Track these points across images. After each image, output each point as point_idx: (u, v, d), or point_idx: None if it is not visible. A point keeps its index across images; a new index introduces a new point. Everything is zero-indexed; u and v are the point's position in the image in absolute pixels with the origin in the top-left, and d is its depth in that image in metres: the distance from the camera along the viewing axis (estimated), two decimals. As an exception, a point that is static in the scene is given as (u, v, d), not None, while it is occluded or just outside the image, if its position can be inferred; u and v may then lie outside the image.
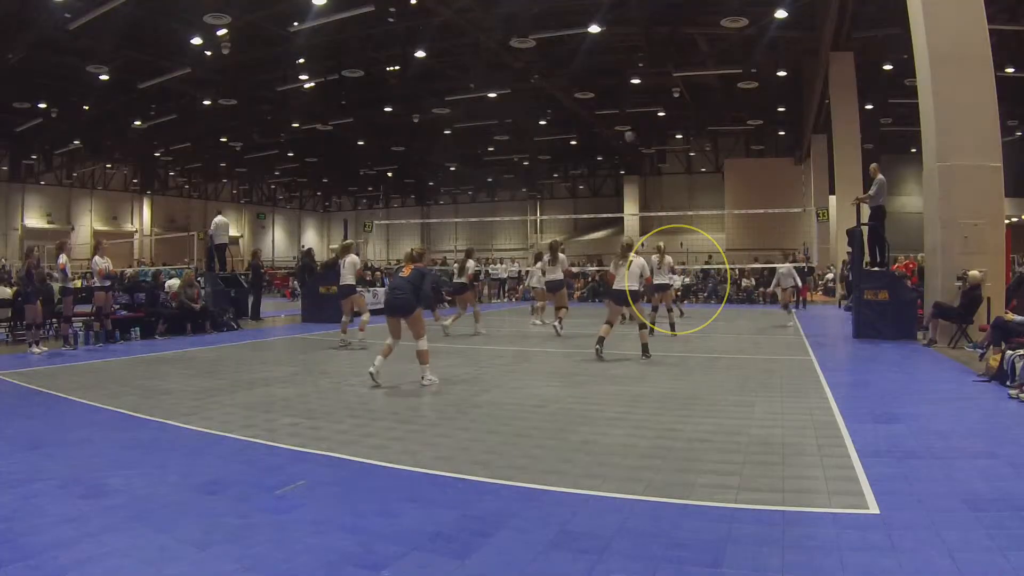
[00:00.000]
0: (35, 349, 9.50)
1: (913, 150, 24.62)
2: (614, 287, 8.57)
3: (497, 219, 34.15)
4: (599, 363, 8.42)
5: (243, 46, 18.39)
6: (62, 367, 8.30)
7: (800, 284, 15.03)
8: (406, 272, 6.62)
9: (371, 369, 6.49)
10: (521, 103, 24.84)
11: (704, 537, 2.86)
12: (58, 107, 23.73)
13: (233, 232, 31.77)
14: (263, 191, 44.09)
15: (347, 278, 10.01)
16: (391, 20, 17.61)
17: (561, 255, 11.80)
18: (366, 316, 9.92)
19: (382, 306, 7.31)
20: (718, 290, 22.62)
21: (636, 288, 8.41)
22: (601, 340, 8.45)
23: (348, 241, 11.31)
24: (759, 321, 14.89)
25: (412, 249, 7.04)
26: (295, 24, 17.20)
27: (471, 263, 12.29)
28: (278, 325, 14.53)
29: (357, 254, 10.81)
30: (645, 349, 8.44)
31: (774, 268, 22.69)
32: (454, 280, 12.12)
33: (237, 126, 28.28)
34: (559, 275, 11.62)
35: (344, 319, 10.00)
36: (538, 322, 13.31)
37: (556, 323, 11.22)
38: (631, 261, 8.43)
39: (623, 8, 16.48)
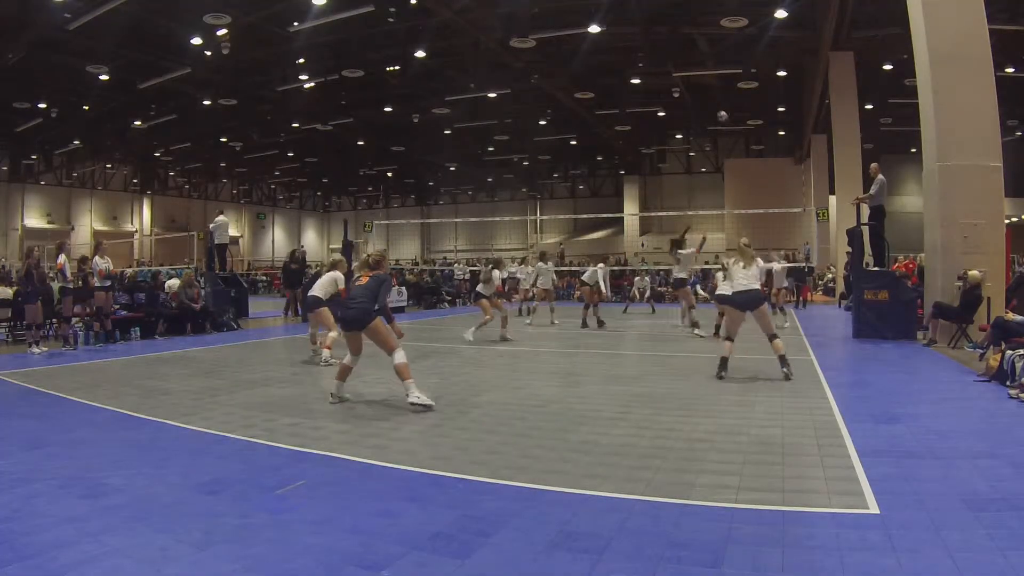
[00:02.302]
0: (35, 349, 9.50)
1: (913, 150, 24.61)
2: (737, 289, 7.07)
3: (497, 219, 34.15)
4: (599, 363, 8.42)
5: (243, 46, 18.38)
6: (62, 367, 8.30)
7: (787, 284, 14.58)
8: (363, 280, 5.87)
9: (331, 400, 5.82)
10: (521, 103, 24.85)
11: (704, 537, 2.86)
12: (58, 107, 23.72)
13: (233, 232, 31.82)
14: (263, 191, 44.09)
15: (316, 290, 8.85)
16: (391, 20, 17.60)
17: (684, 250, 11.93)
18: (333, 333, 8.51)
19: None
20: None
21: (757, 288, 7.10)
22: (724, 361, 7.02)
23: (338, 257, 10.31)
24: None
25: (368, 255, 6.18)
26: (295, 24, 17.20)
27: (497, 274, 11.81)
28: (278, 325, 14.54)
29: (345, 270, 9.32)
30: (723, 365, 7.02)
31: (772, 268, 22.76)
32: (476, 289, 11.72)
33: (237, 126, 28.27)
34: (684, 274, 12.04)
35: (311, 331, 9.14)
36: (556, 322, 13.74)
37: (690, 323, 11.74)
38: (754, 261, 7.21)
39: (623, 8, 16.47)
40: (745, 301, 7.04)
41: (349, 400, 5.89)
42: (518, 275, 22.40)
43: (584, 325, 12.96)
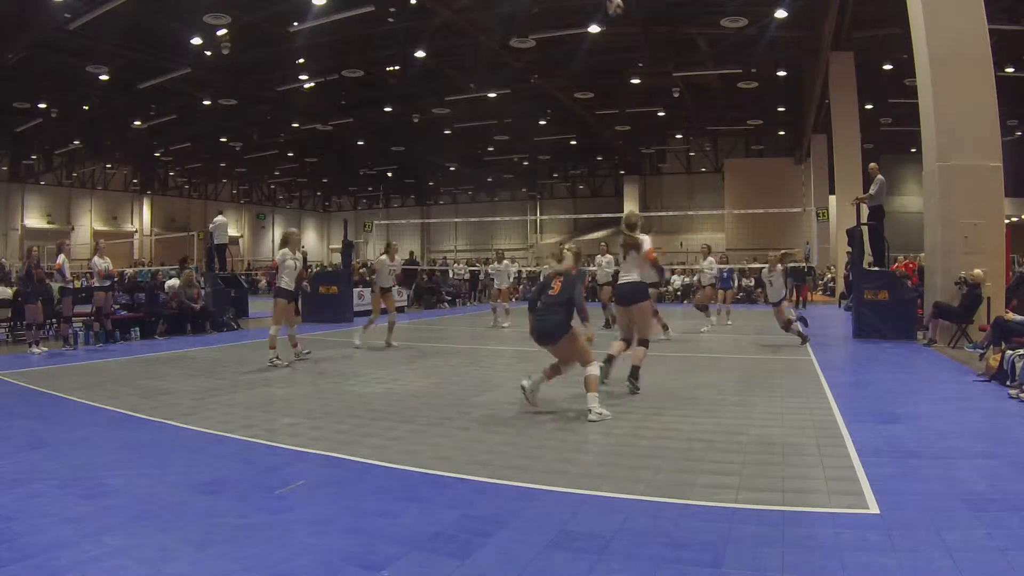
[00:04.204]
0: (35, 349, 9.50)
1: (913, 150, 24.59)
2: (619, 281, 6.21)
3: (497, 219, 34.16)
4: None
5: (243, 46, 18.37)
6: (62, 367, 8.30)
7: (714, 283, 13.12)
8: (556, 289, 5.27)
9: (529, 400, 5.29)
10: (521, 103, 24.84)
11: (704, 537, 2.87)
12: (58, 107, 23.72)
13: (233, 232, 31.83)
14: (263, 191, 44.08)
15: (280, 280, 8.32)
16: (391, 20, 17.59)
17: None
18: (274, 330, 8.12)
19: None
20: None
21: (638, 280, 6.02)
22: (609, 359, 6.07)
23: (291, 230, 9.66)
24: (759, 321, 14.88)
25: (565, 247, 5.52)
26: (295, 24, 17.20)
27: (384, 260, 9.91)
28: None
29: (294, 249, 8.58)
30: (634, 373, 6.00)
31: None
32: (375, 282, 10.00)
33: (237, 126, 28.26)
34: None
35: (289, 330, 8.48)
36: (505, 325, 13.24)
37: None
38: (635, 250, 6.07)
39: (623, 8, 16.46)
40: (620, 295, 6.11)
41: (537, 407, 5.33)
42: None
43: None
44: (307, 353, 8.54)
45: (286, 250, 8.38)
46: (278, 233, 44.21)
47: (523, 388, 5.36)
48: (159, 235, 34.04)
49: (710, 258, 12.85)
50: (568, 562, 2.65)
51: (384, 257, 9.97)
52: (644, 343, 6.13)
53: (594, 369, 5.16)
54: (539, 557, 2.70)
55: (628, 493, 3.41)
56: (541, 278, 5.93)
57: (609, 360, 5.99)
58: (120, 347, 10.32)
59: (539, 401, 5.40)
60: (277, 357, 8.03)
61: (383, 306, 9.88)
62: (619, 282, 6.18)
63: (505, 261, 14.59)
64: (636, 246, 5.97)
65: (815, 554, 2.70)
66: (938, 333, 9.52)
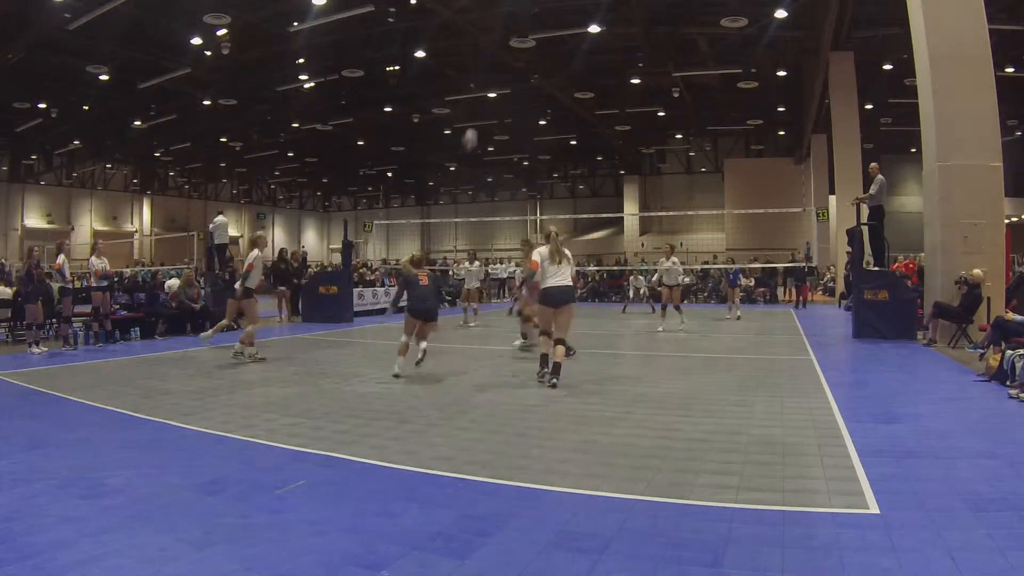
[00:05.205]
0: (35, 349, 9.50)
1: (913, 150, 24.61)
2: (551, 284, 6.66)
3: (497, 219, 34.14)
4: (599, 363, 8.41)
5: (243, 46, 18.37)
6: (62, 367, 8.30)
7: (681, 283, 12.92)
8: (425, 280, 7.34)
9: (396, 373, 7.03)
10: (521, 103, 24.84)
11: (704, 537, 2.87)
12: (58, 107, 23.69)
13: (233, 232, 31.78)
14: (263, 191, 44.07)
15: (250, 281, 8.62)
16: (391, 20, 17.59)
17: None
18: (252, 328, 8.44)
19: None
20: (719, 289, 22.62)
21: (571, 285, 6.81)
22: (545, 359, 6.59)
23: (259, 232, 9.92)
24: (759, 321, 14.90)
25: (417, 256, 7.70)
26: (295, 24, 17.20)
27: (256, 253, 8.80)
28: (277, 325, 14.51)
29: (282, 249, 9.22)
30: (556, 370, 6.43)
31: (774, 268, 22.71)
32: (237, 285, 8.76)
33: (237, 126, 28.25)
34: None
35: (226, 321, 8.83)
36: (472, 324, 13.47)
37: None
38: (567, 259, 6.81)
39: (623, 8, 16.47)
40: (560, 297, 6.63)
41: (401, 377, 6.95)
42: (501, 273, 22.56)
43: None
44: (251, 357, 8.49)
45: (258, 252, 8.88)
46: (278, 233, 44.30)
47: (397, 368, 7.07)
48: (159, 235, 34.04)
49: (673, 258, 12.52)
50: (568, 562, 2.65)
51: (257, 252, 8.96)
52: (562, 342, 6.65)
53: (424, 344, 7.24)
54: (539, 557, 2.70)
55: (628, 493, 3.41)
56: (401, 279, 7.67)
57: (557, 369, 6.46)
58: (120, 347, 10.33)
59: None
60: (256, 352, 8.52)
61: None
62: (555, 285, 6.64)
63: (477, 262, 14.77)
64: (568, 258, 6.81)
65: (815, 554, 2.70)
66: (938, 333, 9.52)
